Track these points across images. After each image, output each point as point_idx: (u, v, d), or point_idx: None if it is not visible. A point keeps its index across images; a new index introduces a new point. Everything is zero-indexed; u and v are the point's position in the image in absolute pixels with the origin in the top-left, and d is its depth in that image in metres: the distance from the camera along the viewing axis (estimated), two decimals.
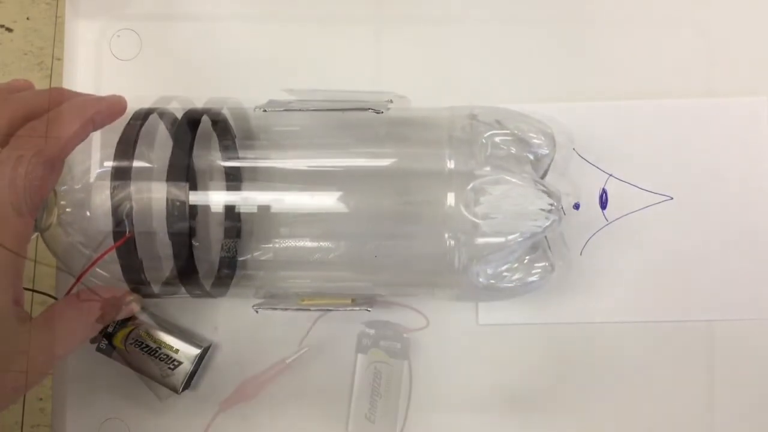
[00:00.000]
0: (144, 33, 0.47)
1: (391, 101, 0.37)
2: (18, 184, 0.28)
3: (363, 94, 0.38)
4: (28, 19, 0.48)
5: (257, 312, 0.38)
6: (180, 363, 0.42)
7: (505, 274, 0.37)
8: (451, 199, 0.36)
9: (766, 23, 0.45)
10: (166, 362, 0.42)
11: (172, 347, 0.42)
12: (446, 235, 0.36)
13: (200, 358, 0.42)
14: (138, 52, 0.47)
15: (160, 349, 0.42)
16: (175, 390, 0.42)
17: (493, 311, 0.44)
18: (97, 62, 0.47)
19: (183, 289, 0.37)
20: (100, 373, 0.45)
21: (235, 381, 0.44)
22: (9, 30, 0.49)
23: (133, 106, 0.37)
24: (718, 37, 0.45)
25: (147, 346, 0.42)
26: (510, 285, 0.37)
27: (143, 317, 0.42)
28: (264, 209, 0.38)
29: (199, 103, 0.38)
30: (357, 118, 0.39)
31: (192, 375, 0.42)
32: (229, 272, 0.38)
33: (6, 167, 0.28)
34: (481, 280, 0.37)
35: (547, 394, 0.43)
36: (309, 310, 0.38)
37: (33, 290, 0.38)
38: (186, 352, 0.42)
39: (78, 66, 0.47)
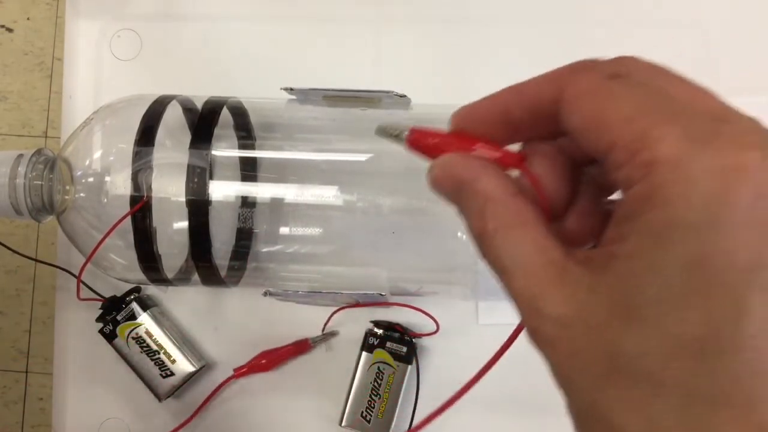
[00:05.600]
0: (144, 33, 0.47)
1: (402, 96, 0.37)
2: None
3: (363, 93, 0.38)
4: (28, 19, 0.48)
5: (267, 296, 0.38)
6: (172, 374, 0.42)
7: None
8: None
9: (766, 23, 0.45)
10: (160, 368, 0.42)
11: (171, 356, 0.42)
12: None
13: (192, 375, 0.43)
14: (138, 52, 0.47)
15: (158, 353, 0.42)
16: (158, 397, 0.42)
17: (493, 311, 0.44)
18: (97, 62, 0.47)
19: (196, 275, 0.37)
20: (100, 374, 0.45)
21: (234, 380, 0.44)
22: (9, 30, 0.49)
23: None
24: (718, 37, 0.45)
25: (147, 346, 0.42)
26: None
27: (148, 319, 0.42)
28: (277, 200, 0.38)
29: (199, 103, 0.38)
30: (373, 114, 0.39)
31: (178, 388, 0.42)
32: (245, 246, 0.38)
33: None
34: None
35: (549, 394, 0.43)
36: (320, 292, 0.38)
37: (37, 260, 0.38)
38: (182, 365, 0.42)
39: (78, 66, 0.47)
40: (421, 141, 0.22)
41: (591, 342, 0.17)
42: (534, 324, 0.19)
